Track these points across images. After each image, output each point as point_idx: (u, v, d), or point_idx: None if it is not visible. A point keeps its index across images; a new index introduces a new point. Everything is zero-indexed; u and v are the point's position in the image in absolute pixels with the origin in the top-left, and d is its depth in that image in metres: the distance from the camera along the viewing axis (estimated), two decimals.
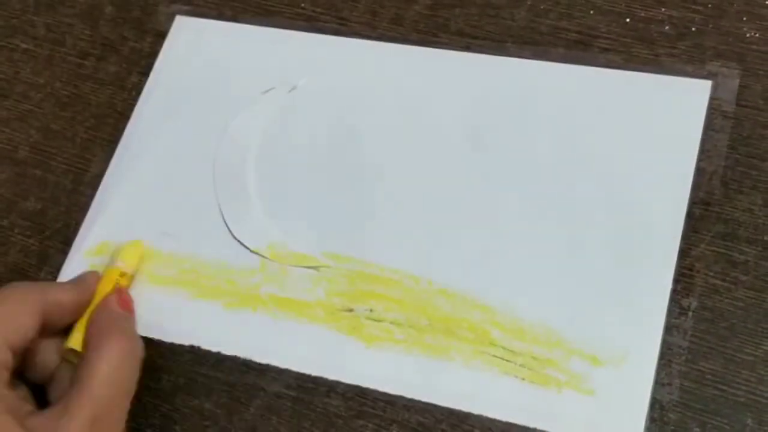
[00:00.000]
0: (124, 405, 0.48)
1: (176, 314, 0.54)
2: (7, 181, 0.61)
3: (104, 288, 0.53)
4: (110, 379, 0.47)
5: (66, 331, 0.52)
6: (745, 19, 0.55)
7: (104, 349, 0.48)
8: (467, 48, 0.58)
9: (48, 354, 0.51)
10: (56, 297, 0.51)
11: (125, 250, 0.55)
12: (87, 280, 0.53)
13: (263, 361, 0.52)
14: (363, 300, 0.52)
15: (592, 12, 0.57)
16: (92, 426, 0.45)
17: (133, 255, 0.55)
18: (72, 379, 0.48)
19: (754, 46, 0.54)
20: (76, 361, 0.50)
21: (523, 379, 0.49)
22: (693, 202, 0.51)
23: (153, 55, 0.62)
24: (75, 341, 0.50)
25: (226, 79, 0.60)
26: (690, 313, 0.49)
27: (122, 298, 0.52)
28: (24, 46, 0.65)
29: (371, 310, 0.52)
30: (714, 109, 0.52)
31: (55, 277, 0.57)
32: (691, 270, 0.49)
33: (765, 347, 0.48)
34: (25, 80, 0.64)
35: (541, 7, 0.58)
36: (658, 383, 0.48)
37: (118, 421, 0.48)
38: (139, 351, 0.50)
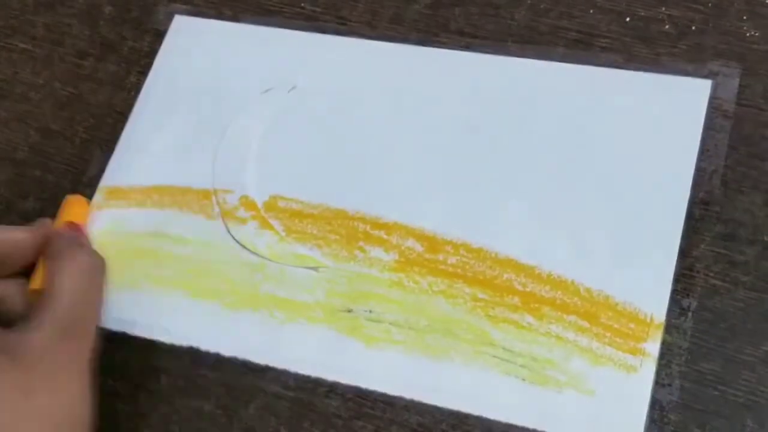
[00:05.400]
0: (91, 316, 0.50)
1: (175, 314, 0.54)
2: (7, 181, 0.61)
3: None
4: (72, 290, 0.49)
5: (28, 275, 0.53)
6: (745, 18, 0.55)
7: (64, 266, 0.50)
8: (467, 47, 0.58)
9: (15, 298, 0.52)
10: (11, 235, 0.52)
11: (70, 204, 0.57)
12: (43, 223, 0.54)
13: (262, 361, 0.52)
14: (362, 300, 0.52)
15: (592, 11, 0.57)
16: (61, 337, 0.47)
17: (79, 208, 0.57)
18: None
19: (755, 46, 0.54)
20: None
21: (523, 379, 0.49)
22: (693, 202, 0.51)
23: (152, 54, 0.62)
24: (37, 282, 0.51)
25: (226, 78, 0.60)
26: (690, 314, 0.49)
27: (73, 225, 0.55)
28: (23, 46, 0.65)
29: (371, 311, 0.52)
30: (714, 109, 0.52)
31: None
32: (691, 270, 0.49)
33: (765, 348, 0.47)
34: (24, 80, 0.64)
35: (542, 6, 0.58)
36: (658, 384, 0.47)
37: (88, 333, 0.49)
38: (99, 262, 0.52)
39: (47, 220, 0.54)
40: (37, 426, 0.45)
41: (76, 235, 0.54)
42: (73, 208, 0.56)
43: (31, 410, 0.45)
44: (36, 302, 0.49)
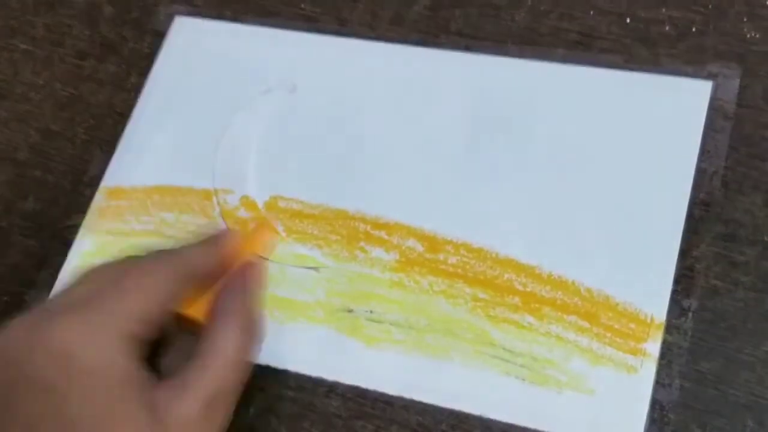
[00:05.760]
0: (238, 388, 0.46)
1: None
2: (7, 181, 0.61)
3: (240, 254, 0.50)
4: (232, 360, 0.45)
5: None
6: (745, 19, 0.55)
7: (229, 327, 0.45)
8: (467, 48, 0.58)
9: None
10: (194, 267, 0.47)
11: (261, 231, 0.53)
12: (224, 244, 0.49)
13: (263, 361, 0.52)
14: (363, 300, 0.52)
15: (592, 12, 0.57)
16: (209, 406, 0.44)
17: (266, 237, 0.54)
18: (188, 350, 0.45)
19: (755, 47, 0.54)
20: (190, 330, 0.47)
21: (523, 379, 0.49)
22: (693, 203, 0.51)
23: (152, 55, 0.62)
24: (196, 309, 0.47)
25: (226, 79, 0.60)
26: (690, 314, 0.49)
27: (254, 271, 0.49)
28: (23, 46, 0.65)
29: (371, 311, 0.52)
30: (715, 110, 0.52)
31: (54, 278, 0.57)
32: (691, 270, 0.49)
33: (765, 348, 0.47)
34: (25, 81, 0.64)
35: (542, 7, 0.58)
36: (659, 384, 0.47)
37: (231, 404, 0.46)
38: (261, 333, 0.48)
39: (233, 238, 0.50)
40: None
41: (254, 290, 0.49)
42: (262, 236, 0.53)
43: None
44: (194, 359, 0.45)
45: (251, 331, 0.47)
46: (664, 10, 0.56)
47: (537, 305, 0.50)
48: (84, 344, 0.42)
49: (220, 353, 0.45)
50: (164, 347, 0.48)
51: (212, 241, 0.50)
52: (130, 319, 0.43)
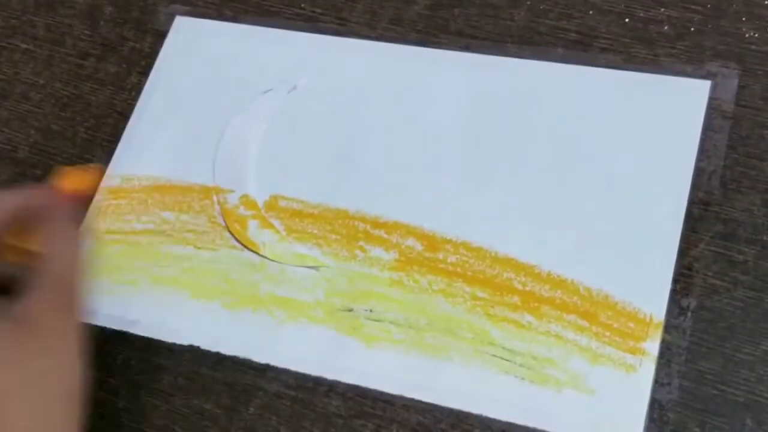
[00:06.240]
0: (82, 286, 0.51)
1: (176, 314, 0.54)
2: (8, 181, 0.61)
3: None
4: (69, 259, 0.51)
5: None
6: (744, 19, 0.55)
7: (62, 235, 0.52)
8: (466, 48, 0.58)
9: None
10: (20, 202, 0.53)
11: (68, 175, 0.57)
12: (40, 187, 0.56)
13: (263, 361, 0.52)
14: (363, 300, 0.52)
15: (591, 12, 0.57)
16: (59, 304, 0.49)
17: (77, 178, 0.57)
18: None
19: (754, 46, 0.54)
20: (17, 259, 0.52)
21: (523, 378, 0.49)
22: (692, 202, 0.51)
23: (153, 55, 0.62)
24: (34, 242, 0.52)
25: (226, 79, 0.60)
26: (689, 313, 0.49)
27: (71, 196, 0.56)
28: (24, 46, 0.66)
29: (371, 310, 0.52)
30: (713, 109, 0.52)
31: None
32: (690, 270, 0.49)
33: (764, 347, 0.48)
34: (25, 80, 0.64)
35: (541, 7, 0.58)
36: (658, 383, 0.48)
37: (80, 302, 0.51)
38: (86, 235, 0.55)
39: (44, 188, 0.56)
40: (37, 387, 0.46)
41: (72, 207, 0.55)
42: (71, 179, 0.57)
43: (31, 372, 0.46)
44: (32, 267, 0.50)
45: (74, 237, 0.53)
46: (662, 9, 0.56)
47: (536, 304, 0.50)
48: None
49: (55, 253, 0.51)
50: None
51: (35, 188, 0.57)
52: None
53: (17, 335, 0.47)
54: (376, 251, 0.53)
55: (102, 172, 0.59)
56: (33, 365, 0.47)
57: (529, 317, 0.50)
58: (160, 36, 0.63)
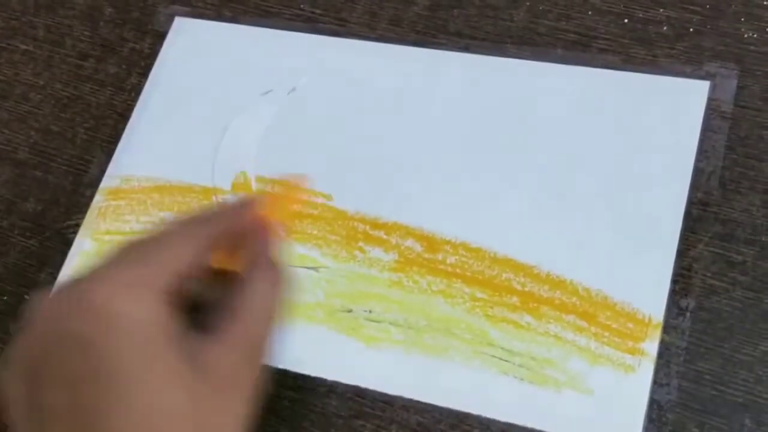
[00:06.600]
0: (271, 337, 0.46)
1: None
2: (7, 182, 0.61)
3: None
4: (267, 309, 0.45)
5: None
6: (743, 19, 0.55)
7: (256, 279, 0.45)
8: (466, 49, 0.58)
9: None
10: (224, 224, 0.47)
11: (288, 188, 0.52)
12: (250, 205, 0.49)
13: None
14: (362, 300, 0.52)
15: (590, 13, 0.57)
16: (247, 360, 0.44)
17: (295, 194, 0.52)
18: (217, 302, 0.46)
19: (752, 47, 0.54)
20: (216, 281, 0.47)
21: (522, 378, 0.49)
22: (691, 203, 0.51)
23: (152, 56, 0.62)
24: (233, 264, 0.47)
25: (226, 80, 0.61)
26: (688, 314, 0.49)
27: (276, 226, 0.49)
28: (24, 47, 0.66)
29: (370, 311, 0.52)
30: (712, 110, 0.52)
31: (54, 278, 0.57)
32: (689, 270, 0.50)
33: (763, 347, 0.48)
34: (25, 81, 0.64)
35: (540, 7, 0.58)
36: (657, 383, 0.48)
37: (267, 354, 0.46)
38: (289, 284, 0.47)
39: (253, 202, 0.49)
40: None
41: (277, 241, 0.48)
42: (289, 193, 0.51)
43: (201, 427, 0.42)
44: (229, 311, 0.45)
45: (277, 281, 0.46)
46: (661, 10, 0.56)
47: (535, 305, 0.50)
48: (122, 299, 0.42)
49: (248, 304, 0.45)
50: (205, 307, 0.47)
51: (239, 202, 0.50)
52: (167, 272, 0.43)
53: (197, 386, 0.42)
54: (376, 252, 0.54)
55: (302, 184, 0.53)
56: (205, 421, 0.42)
57: (528, 318, 0.50)
58: (160, 37, 0.63)
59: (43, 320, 0.43)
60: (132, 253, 0.44)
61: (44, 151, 0.62)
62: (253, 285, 0.46)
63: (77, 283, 0.43)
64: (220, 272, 0.47)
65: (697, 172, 0.51)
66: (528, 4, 0.58)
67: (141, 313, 0.42)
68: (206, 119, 0.59)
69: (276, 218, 0.49)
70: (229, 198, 0.52)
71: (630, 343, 0.49)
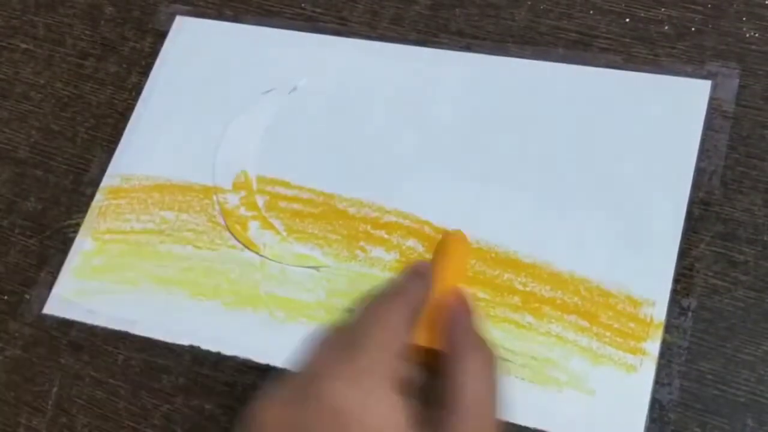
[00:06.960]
0: (494, 423, 0.42)
1: (176, 314, 0.54)
2: (8, 181, 0.61)
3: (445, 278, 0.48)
4: (481, 399, 0.42)
5: None
6: (744, 19, 0.55)
7: (468, 367, 0.42)
8: (467, 48, 0.58)
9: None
10: (419, 298, 0.44)
11: (454, 245, 0.51)
12: (426, 274, 0.46)
13: (263, 361, 0.52)
14: None
15: (591, 12, 0.57)
16: None
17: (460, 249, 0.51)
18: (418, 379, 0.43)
19: (754, 46, 0.54)
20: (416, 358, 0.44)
21: (524, 378, 0.49)
22: (693, 202, 0.51)
23: (153, 55, 0.62)
24: (424, 339, 0.44)
25: (226, 79, 0.60)
26: (690, 313, 0.49)
27: (467, 296, 0.46)
28: (24, 46, 0.66)
29: None
30: (714, 109, 0.52)
31: (54, 278, 0.57)
32: (690, 270, 0.49)
33: (765, 347, 0.48)
34: (26, 80, 0.64)
35: (541, 7, 0.58)
36: (658, 383, 0.48)
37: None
38: (498, 353, 0.44)
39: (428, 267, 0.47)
40: None
41: (475, 318, 0.45)
42: (457, 251, 0.50)
43: None
44: (449, 398, 0.41)
45: (487, 356, 0.43)
46: (663, 9, 0.56)
47: (537, 305, 0.50)
48: (357, 395, 0.39)
49: (465, 393, 0.41)
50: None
51: (420, 271, 0.46)
52: (393, 357, 0.41)
53: None
54: (377, 252, 0.53)
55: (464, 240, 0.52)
56: None
57: (529, 318, 0.50)
58: (161, 36, 0.63)
59: (276, 428, 0.40)
60: (347, 343, 0.41)
61: (45, 150, 0.62)
62: (465, 365, 0.42)
63: (301, 384, 0.41)
64: (421, 350, 0.44)
65: (699, 172, 0.51)
66: (529, 3, 0.58)
67: (378, 408, 0.39)
68: (207, 118, 0.59)
69: (458, 284, 0.47)
70: (405, 268, 0.47)
71: (632, 343, 0.49)
